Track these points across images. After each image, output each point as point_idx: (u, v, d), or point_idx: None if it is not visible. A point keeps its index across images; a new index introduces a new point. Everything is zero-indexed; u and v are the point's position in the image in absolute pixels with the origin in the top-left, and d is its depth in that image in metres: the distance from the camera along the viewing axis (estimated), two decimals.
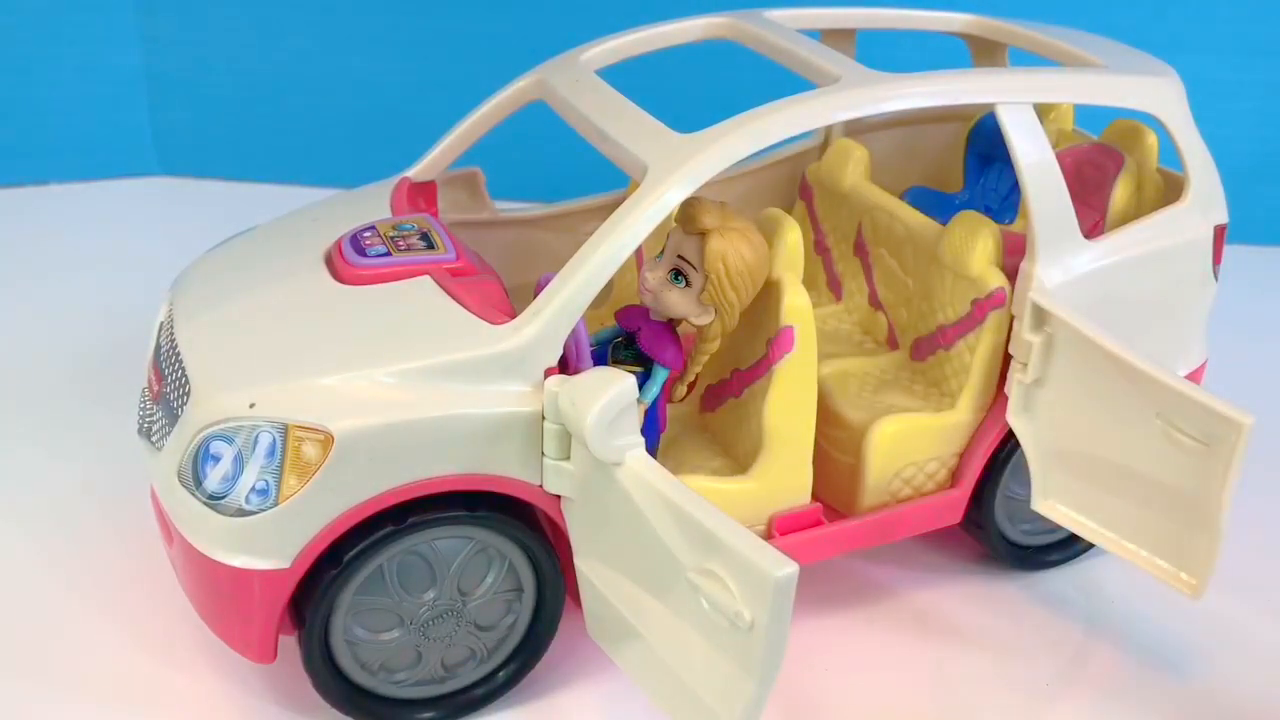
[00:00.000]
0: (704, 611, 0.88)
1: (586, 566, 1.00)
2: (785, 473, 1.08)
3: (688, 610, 0.90)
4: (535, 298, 0.99)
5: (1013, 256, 1.14)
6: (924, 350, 1.22)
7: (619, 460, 0.92)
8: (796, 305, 1.05)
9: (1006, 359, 1.14)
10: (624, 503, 0.92)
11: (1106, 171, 1.26)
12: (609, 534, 0.96)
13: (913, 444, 1.14)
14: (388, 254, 1.06)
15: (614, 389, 0.91)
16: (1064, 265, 1.11)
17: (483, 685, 1.07)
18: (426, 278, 1.04)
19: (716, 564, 0.86)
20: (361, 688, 1.03)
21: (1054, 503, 1.15)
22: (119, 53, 2.00)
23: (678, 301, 1.04)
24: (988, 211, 1.40)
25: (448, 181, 1.29)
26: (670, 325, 1.07)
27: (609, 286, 1.04)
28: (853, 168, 1.34)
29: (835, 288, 1.37)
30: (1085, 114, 1.43)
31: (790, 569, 0.82)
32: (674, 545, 0.89)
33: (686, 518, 0.88)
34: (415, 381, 0.95)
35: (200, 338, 1.03)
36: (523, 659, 1.07)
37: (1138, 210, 1.24)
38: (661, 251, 1.05)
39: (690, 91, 1.67)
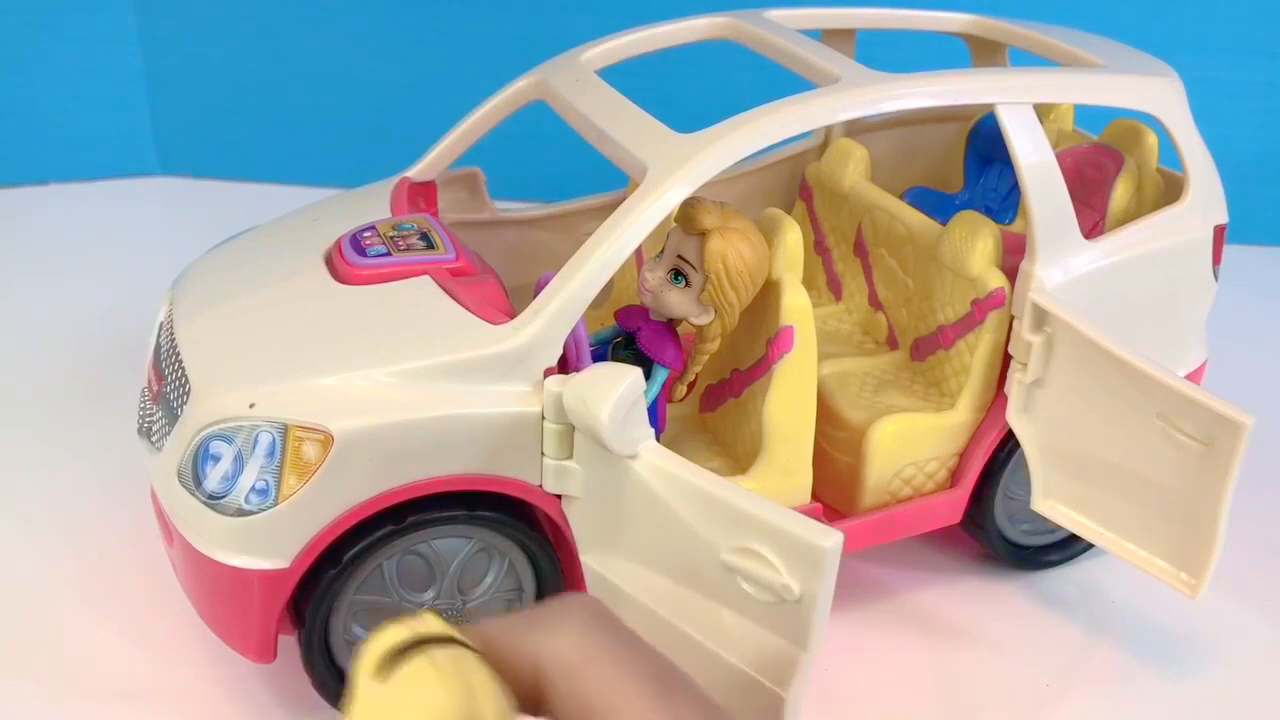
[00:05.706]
0: (742, 591, 0.87)
1: (596, 561, 0.99)
2: (785, 473, 1.08)
3: (723, 592, 0.89)
4: (535, 298, 0.99)
5: (1013, 256, 1.14)
6: (924, 350, 1.22)
7: (634, 453, 0.92)
8: (796, 305, 1.05)
9: (1006, 359, 1.14)
10: (642, 494, 0.92)
11: (1106, 171, 1.25)
12: (623, 527, 0.95)
13: (913, 444, 1.14)
14: (388, 254, 1.06)
15: (625, 383, 0.90)
16: (1064, 265, 1.11)
17: None
18: (426, 278, 1.04)
19: (755, 542, 0.85)
20: None
21: (1054, 503, 1.15)
22: (119, 53, 2.01)
23: (678, 301, 1.04)
24: (988, 211, 1.40)
25: (448, 181, 1.29)
26: (670, 325, 1.07)
27: (609, 286, 1.04)
28: (853, 168, 1.34)
29: (835, 288, 1.37)
30: (1085, 114, 1.43)
31: (837, 537, 0.82)
32: (702, 529, 0.88)
33: (717, 501, 0.87)
34: (415, 381, 0.95)
35: (200, 338, 1.03)
36: None
37: (1138, 210, 1.24)
38: (661, 251, 1.05)
39: (690, 91, 1.67)
